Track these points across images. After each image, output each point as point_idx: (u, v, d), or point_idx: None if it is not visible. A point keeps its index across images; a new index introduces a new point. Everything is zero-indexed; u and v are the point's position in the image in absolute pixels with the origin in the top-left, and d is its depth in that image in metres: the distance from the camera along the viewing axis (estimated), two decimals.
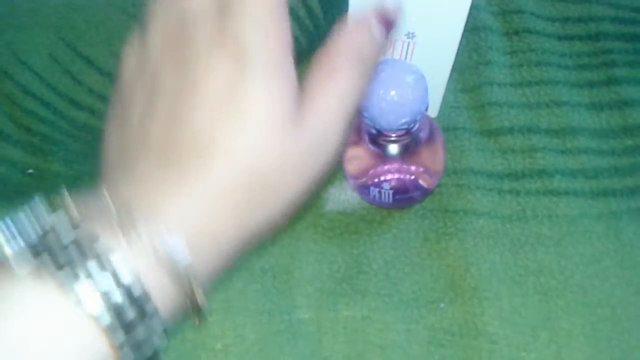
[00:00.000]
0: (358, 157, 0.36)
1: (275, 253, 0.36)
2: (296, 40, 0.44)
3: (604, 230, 0.37)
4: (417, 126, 0.33)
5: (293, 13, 0.45)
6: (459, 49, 0.35)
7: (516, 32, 0.44)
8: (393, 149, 0.34)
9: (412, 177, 0.35)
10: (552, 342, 0.33)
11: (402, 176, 0.35)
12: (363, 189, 0.36)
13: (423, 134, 0.34)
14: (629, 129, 0.40)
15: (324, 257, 0.36)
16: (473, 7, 0.45)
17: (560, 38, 0.44)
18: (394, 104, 0.30)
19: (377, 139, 0.33)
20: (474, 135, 0.40)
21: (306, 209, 0.37)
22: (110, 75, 0.43)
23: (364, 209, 0.37)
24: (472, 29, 0.44)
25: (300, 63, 0.45)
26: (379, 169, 0.35)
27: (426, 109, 0.32)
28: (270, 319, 0.34)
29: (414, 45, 0.34)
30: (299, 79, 0.48)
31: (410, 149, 0.34)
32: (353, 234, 0.37)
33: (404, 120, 0.31)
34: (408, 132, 0.32)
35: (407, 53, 0.35)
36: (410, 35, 0.34)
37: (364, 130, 0.34)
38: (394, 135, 0.33)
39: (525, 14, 0.45)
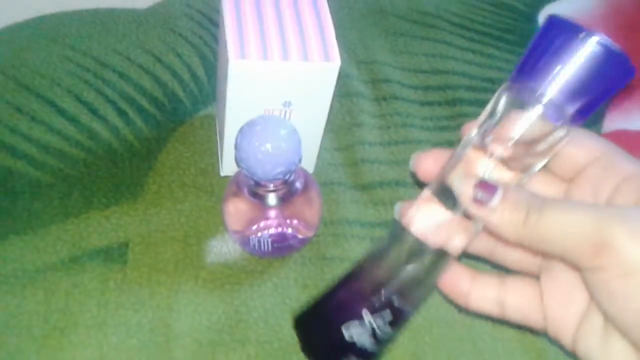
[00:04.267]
0: (238, 209, 0.37)
1: (153, 306, 0.35)
2: (180, 102, 0.46)
3: None
4: (292, 177, 0.35)
5: (177, 77, 0.47)
6: (332, 112, 0.38)
7: (384, 98, 0.48)
8: (271, 199, 0.36)
9: (290, 229, 0.37)
10: None
11: (281, 229, 0.37)
12: (243, 239, 0.37)
13: (299, 185, 0.36)
14: None
15: (203, 309, 0.36)
16: (346, 76, 0.49)
17: (422, 104, 0.49)
18: (269, 155, 0.32)
19: (256, 189, 0.35)
20: (348, 189, 0.43)
21: (186, 262, 0.37)
22: None
23: (245, 260, 0.38)
24: (346, 94, 0.48)
25: (182, 124, 0.46)
26: (260, 224, 0.36)
27: (300, 160, 0.34)
28: None
29: (291, 112, 0.37)
30: (187, 143, 0.48)
31: (287, 199, 0.36)
32: (234, 284, 0.37)
33: (279, 170, 0.33)
34: (284, 182, 0.34)
35: (284, 118, 0.38)
36: (287, 104, 0.37)
37: (243, 182, 0.36)
38: (271, 185, 0.34)
39: (392, 83, 0.49)
